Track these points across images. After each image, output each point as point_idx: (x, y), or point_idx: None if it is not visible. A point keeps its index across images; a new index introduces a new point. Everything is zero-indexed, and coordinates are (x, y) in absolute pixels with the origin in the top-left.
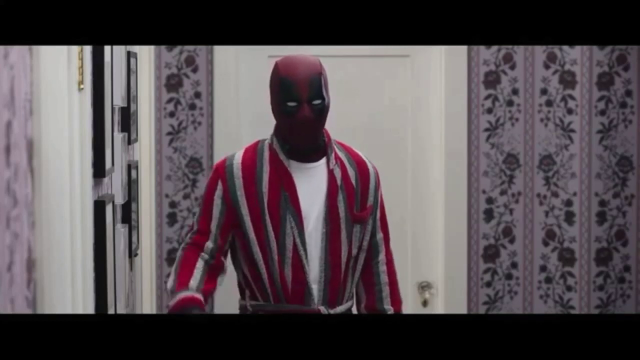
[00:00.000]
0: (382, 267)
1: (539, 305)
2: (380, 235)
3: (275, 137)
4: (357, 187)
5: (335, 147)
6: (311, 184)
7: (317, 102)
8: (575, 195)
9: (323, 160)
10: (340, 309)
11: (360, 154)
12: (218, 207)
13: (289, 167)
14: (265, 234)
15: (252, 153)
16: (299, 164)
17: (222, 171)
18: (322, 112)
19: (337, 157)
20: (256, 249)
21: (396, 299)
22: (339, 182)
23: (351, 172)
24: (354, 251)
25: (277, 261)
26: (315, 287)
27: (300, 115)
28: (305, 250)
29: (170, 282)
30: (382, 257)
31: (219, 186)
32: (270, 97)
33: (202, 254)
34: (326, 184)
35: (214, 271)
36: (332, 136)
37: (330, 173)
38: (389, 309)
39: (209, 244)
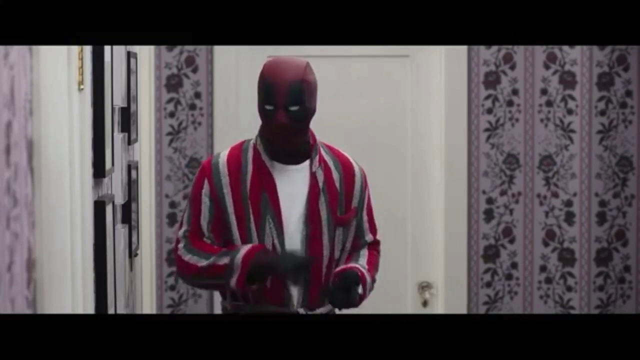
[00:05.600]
0: (364, 250)
1: (539, 306)
2: (369, 237)
3: (260, 137)
4: (340, 190)
5: (321, 149)
6: (293, 186)
7: (294, 108)
8: (575, 195)
9: (306, 163)
10: (320, 310)
11: (347, 156)
12: (207, 205)
13: (271, 169)
14: (247, 234)
15: (237, 152)
16: (282, 166)
17: (209, 170)
18: (299, 118)
19: (321, 160)
20: None
21: (370, 267)
22: (320, 185)
23: (335, 175)
24: (337, 254)
25: None
26: (295, 289)
27: (275, 119)
28: (283, 251)
29: (204, 262)
30: (365, 246)
31: (206, 184)
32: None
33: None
34: (308, 186)
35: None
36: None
37: (313, 176)
38: (362, 265)
39: (207, 241)
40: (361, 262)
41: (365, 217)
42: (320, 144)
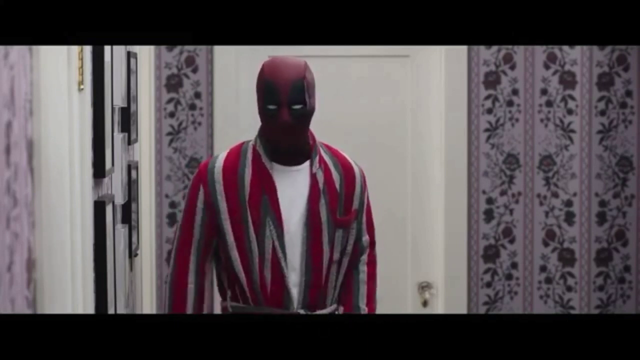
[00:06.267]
0: (363, 267)
1: (539, 306)
2: (366, 238)
3: (260, 138)
4: (341, 192)
5: (321, 149)
6: (293, 188)
7: (297, 106)
8: (575, 195)
9: (306, 164)
10: (321, 312)
11: (347, 157)
12: (200, 212)
13: (271, 170)
14: (246, 236)
15: (236, 155)
16: (282, 167)
17: (204, 175)
18: (302, 116)
19: (321, 161)
20: (235, 252)
21: (370, 300)
22: (321, 186)
23: (335, 176)
24: (337, 255)
25: (257, 264)
26: (295, 291)
27: (279, 118)
28: (284, 253)
29: (166, 308)
30: (364, 257)
31: (201, 190)
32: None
33: (189, 274)
34: (308, 188)
35: (202, 290)
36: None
37: (313, 177)
38: (363, 309)
39: (193, 254)
40: (361, 305)
41: (364, 218)
42: (319, 144)
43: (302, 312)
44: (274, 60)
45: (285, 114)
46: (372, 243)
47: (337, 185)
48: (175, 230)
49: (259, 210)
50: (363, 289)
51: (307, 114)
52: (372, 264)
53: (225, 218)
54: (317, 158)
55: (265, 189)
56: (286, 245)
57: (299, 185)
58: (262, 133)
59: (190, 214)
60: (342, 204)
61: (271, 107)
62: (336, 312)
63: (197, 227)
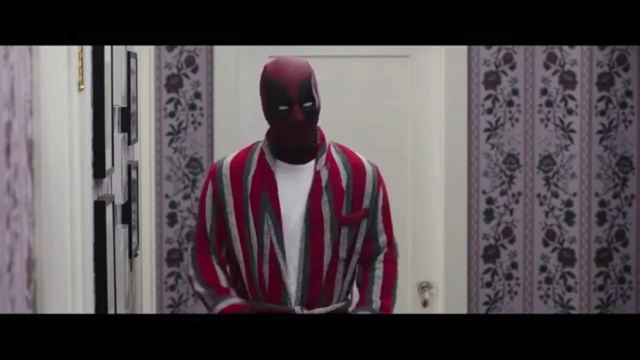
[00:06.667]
0: (379, 265)
1: (539, 306)
2: (383, 239)
3: (267, 139)
4: (347, 189)
5: (332, 148)
6: (295, 185)
7: (308, 104)
8: (575, 195)
9: (312, 162)
10: (322, 310)
11: (360, 156)
12: (210, 207)
13: (274, 167)
14: (247, 231)
15: (244, 153)
16: (287, 165)
17: (213, 172)
18: (313, 114)
19: (328, 159)
20: (238, 246)
21: (386, 295)
22: (324, 183)
23: (343, 174)
24: (342, 254)
25: (256, 259)
26: (293, 288)
27: (291, 118)
28: (282, 249)
29: (200, 289)
30: (381, 256)
31: (210, 187)
32: (261, 101)
33: (212, 255)
34: (310, 185)
35: (225, 270)
36: (333, 136)
37: (316, 174)
38: (376, 301)
39: (211, 248)
40: (374, 298)
41: (379, 217)
42: (331, 144)
43: (298, 309)
44: (278, 62)
45: (298, 112)
46: (390, 243)
47: (344, 183)
48: (196, 226)
49: (258, 205)
50: (378, 284)
51: (316, 111)
52: (389, 262)
53: (231, 211)
54: (324, 156)
55: (266, 185)
56: (285, 242)
57: (301, 183)
58: (270, 135)
59: (203, 211)
60: (349, 202)
61: (283, 107)
62: (349, 309)
63: (207, 222)
